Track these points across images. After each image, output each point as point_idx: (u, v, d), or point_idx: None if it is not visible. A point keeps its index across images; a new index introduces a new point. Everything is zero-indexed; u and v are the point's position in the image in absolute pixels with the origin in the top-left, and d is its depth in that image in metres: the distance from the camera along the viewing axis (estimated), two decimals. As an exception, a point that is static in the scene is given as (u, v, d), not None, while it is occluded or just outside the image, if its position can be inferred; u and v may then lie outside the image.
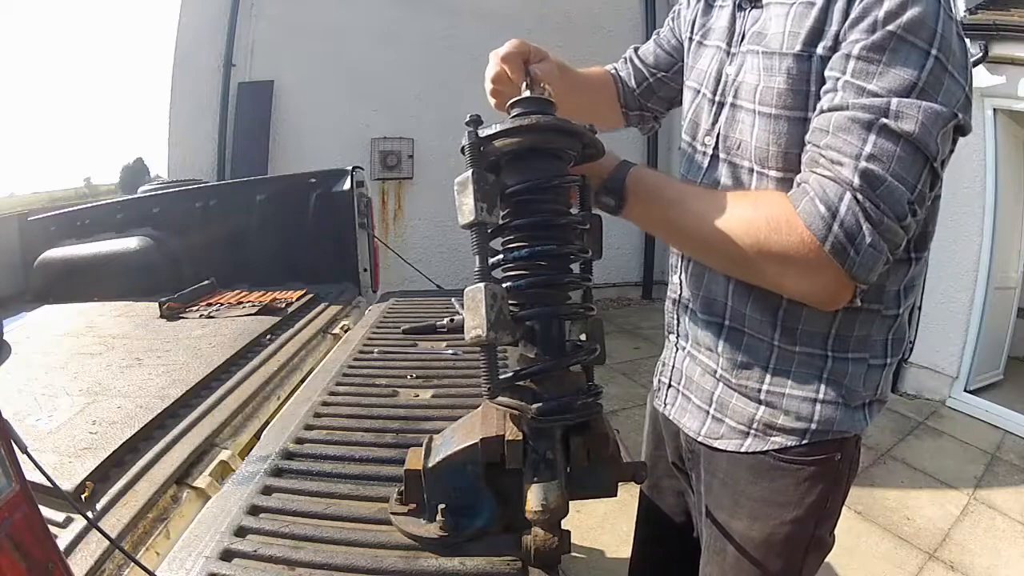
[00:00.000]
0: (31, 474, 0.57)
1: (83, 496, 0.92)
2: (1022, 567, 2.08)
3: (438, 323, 1.58)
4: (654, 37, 1.04)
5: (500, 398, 0.64)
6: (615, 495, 0.69)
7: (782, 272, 0.65)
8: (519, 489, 0.63)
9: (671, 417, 0.92)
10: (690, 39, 0.91)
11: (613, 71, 1.07)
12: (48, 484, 0.74)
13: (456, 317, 1.59)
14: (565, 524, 0.63)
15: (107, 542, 0.79)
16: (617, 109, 1.06)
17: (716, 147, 0.79)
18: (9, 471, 0.47)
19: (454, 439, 0.69)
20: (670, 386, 0.93)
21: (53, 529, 0.76)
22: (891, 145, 0.60)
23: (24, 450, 0.64)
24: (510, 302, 0.62)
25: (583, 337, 0.70)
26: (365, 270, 2.39)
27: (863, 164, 0.60)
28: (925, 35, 0.60)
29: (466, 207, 0.59)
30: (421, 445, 0.73)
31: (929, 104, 0.60)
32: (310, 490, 0.84)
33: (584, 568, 2.09)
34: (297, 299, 2.09)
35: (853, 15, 0.63)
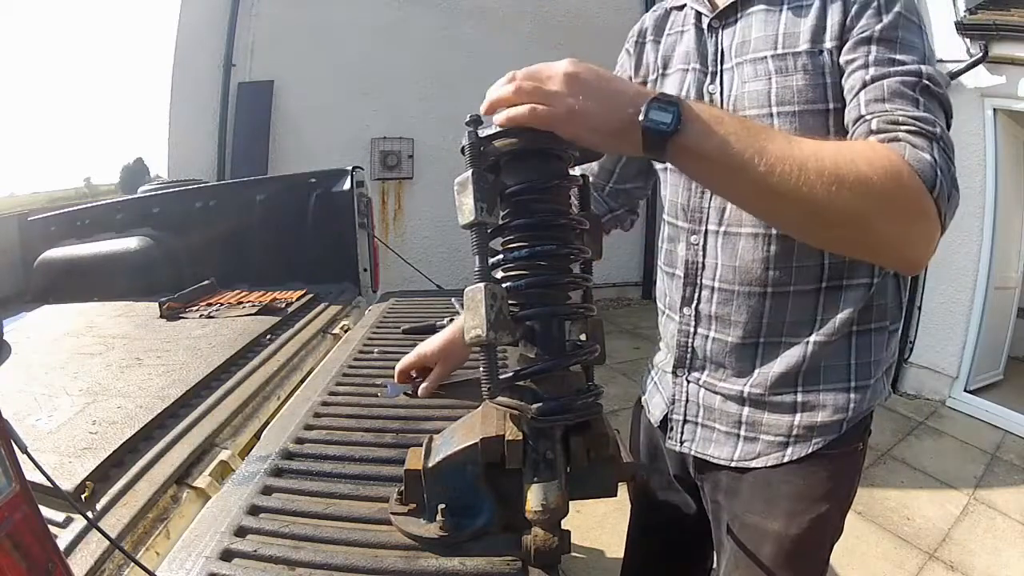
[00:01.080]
0: (31, 474, 0.57)
1: (83, 496, 0.92)
2: (1022, 567, 2.08)
3: (438, 323, 1.58)
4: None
5: (500, 398, 0.64)
6: (615, 495, 0.69)
7: (903, 224, 0.62)
8: (519, 489, 0.63)
9: (693, 452, 0.89)
10: (643, 82, 0.92)
11: None
12: (48, 484, 0.74)
13: (456, 317, 1.59)
14: (565, 524, 0.63)
15: (107, 542, 0.79)
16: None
17: None
18: (9, 471, 0.47)
19: (454, 439, 0.69)
20: (685, 422, 0.90)
21: (53, 529, 0.76)
22: (935, 103, 0.67)
23: (24, 450, 0.64)
24: (510, 302, 0.62)
25: (583, 337, 0.70)
26: (365, 270, 2.39)
27: (930, 117, 0.64)
28: (915, 13, 0.71)
29: (466, 207, 0.59)
30: (421, 445, 0.73)
31: (936, 68, 0.68)
32: (310, 490, 0.84)
33: (584, 568, 2.09)
34: (297, 299, 2.09)
35: (856, 6, 0.70)
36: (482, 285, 0.58)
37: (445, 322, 1.58)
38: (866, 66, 0.68)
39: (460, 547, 0.68)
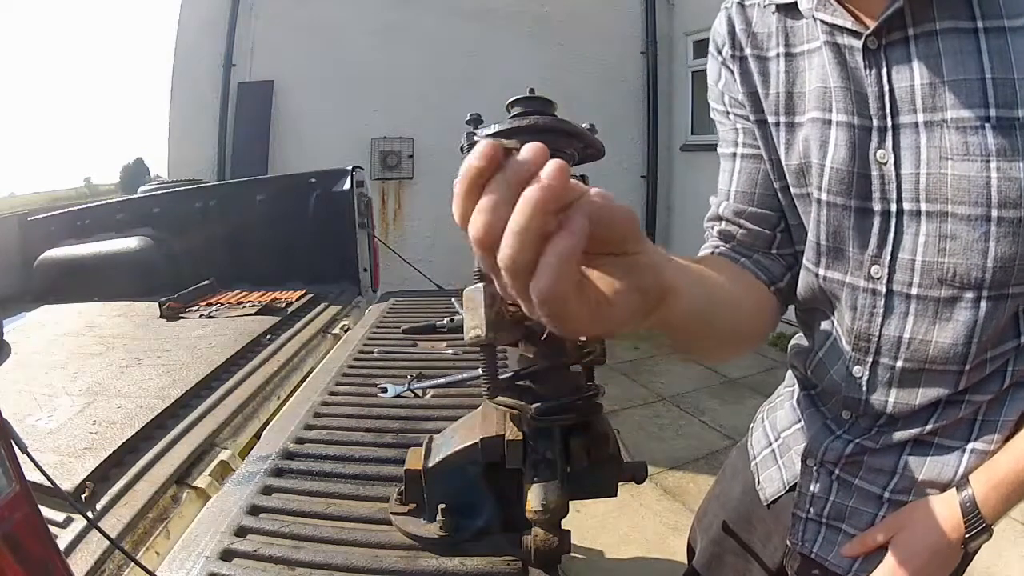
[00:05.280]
0: (31, 474, 0.57)
1: (83, 496, 0.92)
2: (1022, 567, 2.08)
3: (438, 323, 1.58)
4: (724, 152, 0.69)
5: (500, 398, 0.64)
6: (615, 495, 0.69)
7: None
8: (519, 489, 0.63)
9: (813, 555, 0.71)
10: (760, 121, 0.63)
11: (748, 266, 0.67)
12: (48, 484, 0.74)
13: (456, 317, 1.59)
14: (565, 524, 0.63)
15: (107, 542, 0.79)
16: (772, 308, 0.68)
17: (891, 280, 0.55)
18: (9, 471, 0.47)
19: (454, 439, 0.69)
20: (808, 520, 0.72)
21: (53, 529, 0.76)
22: None
23: (24, 450, 0.64)
24: (509, 302, 0.62)
25: (583, 337, 0.70)
26: (365, 270, 2.39)
27: None
28: None
29: (465, 207, 0.59)
30: (421, 445, 0.73)
31: None
32: (310, 490, 0.84)
33: (584, 568, 2.09)
34: (297, 299, 2.10)
35: None
36: (481, 286, 0.58)
37: (445, 322, 1.58)
38: None
39: (460, 547, 0.68)
